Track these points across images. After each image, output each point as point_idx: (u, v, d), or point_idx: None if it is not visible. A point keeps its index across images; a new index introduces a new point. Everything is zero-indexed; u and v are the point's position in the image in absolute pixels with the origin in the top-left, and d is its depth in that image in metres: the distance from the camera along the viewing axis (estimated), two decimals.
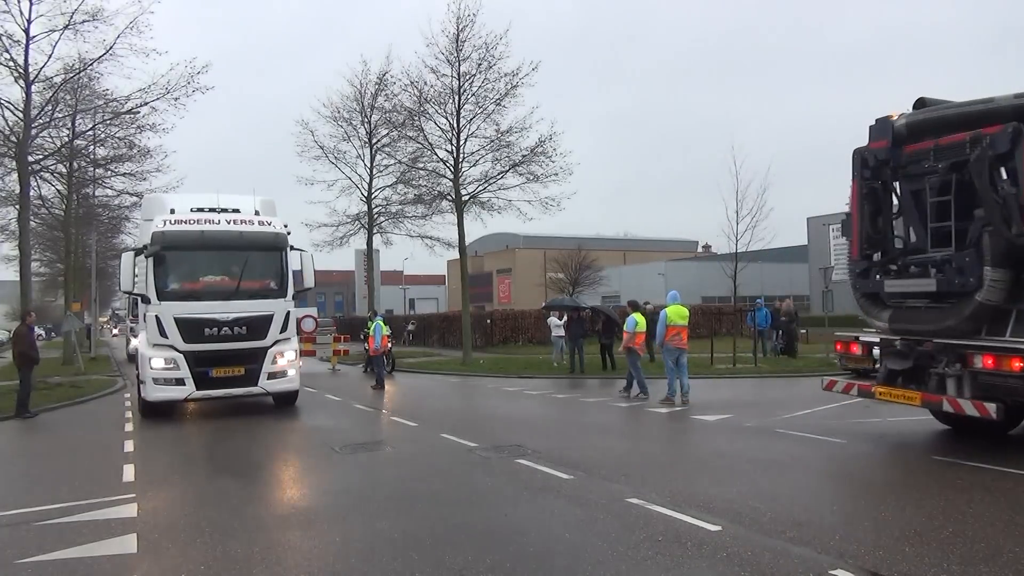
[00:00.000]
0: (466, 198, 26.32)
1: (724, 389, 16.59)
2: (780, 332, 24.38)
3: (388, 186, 30.27)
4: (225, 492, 7.81)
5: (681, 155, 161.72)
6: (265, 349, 13.47)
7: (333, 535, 5.95)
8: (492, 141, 25.73)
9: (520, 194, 26.20)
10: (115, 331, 33.28)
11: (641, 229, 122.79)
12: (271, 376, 13.59)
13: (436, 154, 26.51)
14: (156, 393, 12.99)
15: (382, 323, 19.44)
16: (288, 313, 13.83)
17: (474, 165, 26.31)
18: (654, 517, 6.10)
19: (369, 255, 33.99)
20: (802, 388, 16.71)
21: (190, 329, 12.97)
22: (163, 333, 12.94)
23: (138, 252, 13.51)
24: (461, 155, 25.79)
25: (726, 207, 31.40)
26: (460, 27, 24.09)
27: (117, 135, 24.39)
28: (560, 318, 23.79)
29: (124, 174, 26.91)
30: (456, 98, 25.06)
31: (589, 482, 7.51)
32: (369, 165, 30.15)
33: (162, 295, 13.03)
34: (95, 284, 38.95)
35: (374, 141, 29.56)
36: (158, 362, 12.96)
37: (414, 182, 28.78)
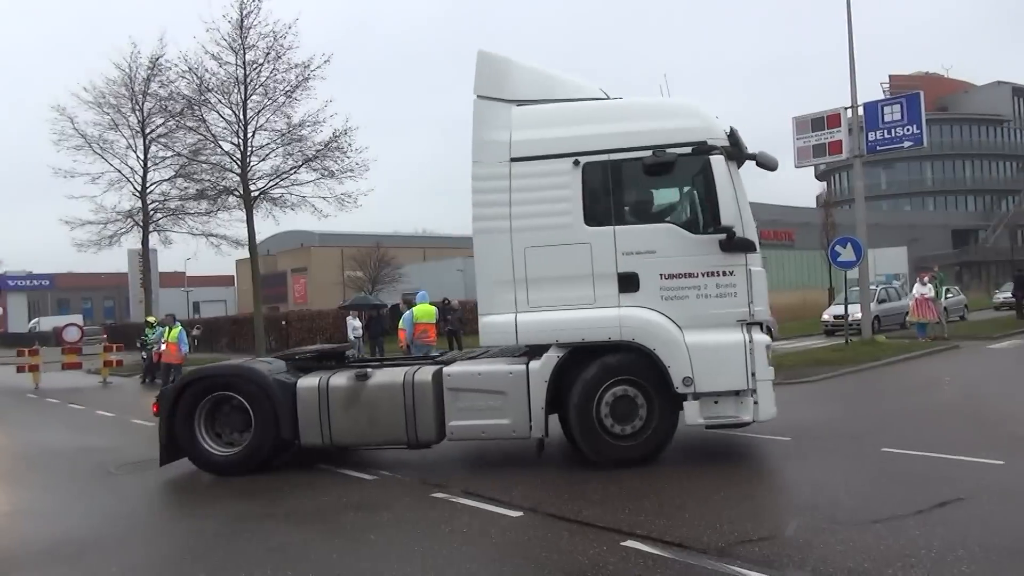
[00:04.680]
0: (255, 193, 25.21)
1: None
2: None
3: (166, 180, 28.23)
4: None
5: None
6: None
7: (110, 565, 5.37)
8: (283, 135, 24.86)
9: (315, 190, 25.56)
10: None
11: (439, 226, 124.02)
12: None
13: (220, 146, 25.20)
14: None
15: (180, 328, 17.83)
16: None
17: (264, 159, 25.26)
18: (458, 509, 6.23)
19: (145, 255, 31.05)
20: None
21: None
22: None
23: None
24: (249, 148, 24.63)
25: None
26: (244, 13, 22.98)
27: None
28: (359, 318, 23.40)
29: None
30: (242, 88, 23.90)
31: (392, 481, 7.47)
32: (143, 157, 27.80)
33: None
34: None
35: (148, 131, 27.25)
36: None
37: (196, 176, 27.01)
